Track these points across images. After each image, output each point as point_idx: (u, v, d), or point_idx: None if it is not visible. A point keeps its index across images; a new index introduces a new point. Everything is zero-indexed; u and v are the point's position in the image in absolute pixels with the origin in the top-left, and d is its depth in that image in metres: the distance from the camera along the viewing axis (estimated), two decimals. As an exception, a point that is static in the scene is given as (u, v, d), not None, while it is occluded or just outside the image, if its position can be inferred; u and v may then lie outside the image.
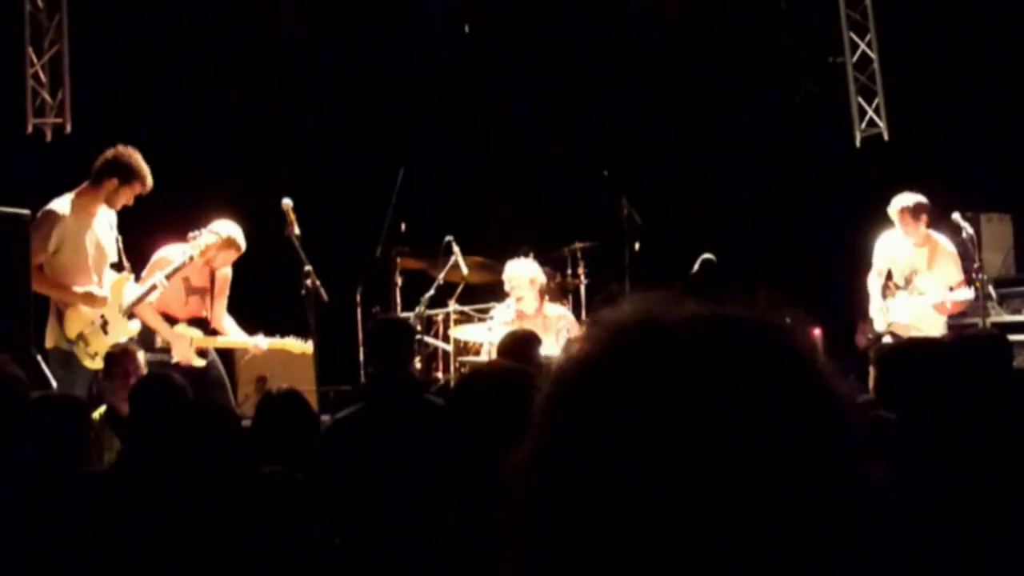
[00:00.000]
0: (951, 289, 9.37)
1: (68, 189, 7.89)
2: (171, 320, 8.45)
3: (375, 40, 11.51)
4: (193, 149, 10.72)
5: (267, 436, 5.39)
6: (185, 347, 8.39)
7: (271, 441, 5.31)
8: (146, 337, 8.21)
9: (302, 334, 8.99)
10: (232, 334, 8.76)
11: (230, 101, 11.09)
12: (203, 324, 8.61)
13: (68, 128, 10.78)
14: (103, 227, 7.85)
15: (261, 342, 8.76)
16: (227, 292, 8.78)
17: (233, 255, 8.62)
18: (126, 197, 7.86)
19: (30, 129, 10.77)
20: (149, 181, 7.86)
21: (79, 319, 7.68)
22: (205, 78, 11.03)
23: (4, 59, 10.62)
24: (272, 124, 11.19)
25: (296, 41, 11.32)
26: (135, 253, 8.22)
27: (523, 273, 9.48)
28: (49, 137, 10.81)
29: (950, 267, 9.46)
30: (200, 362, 8.44)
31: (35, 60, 10.79)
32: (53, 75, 10.79)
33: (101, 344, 7.59)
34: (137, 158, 7.80)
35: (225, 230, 8.50)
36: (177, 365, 8.23)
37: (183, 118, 10.91)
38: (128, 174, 7.77)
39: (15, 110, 10.64)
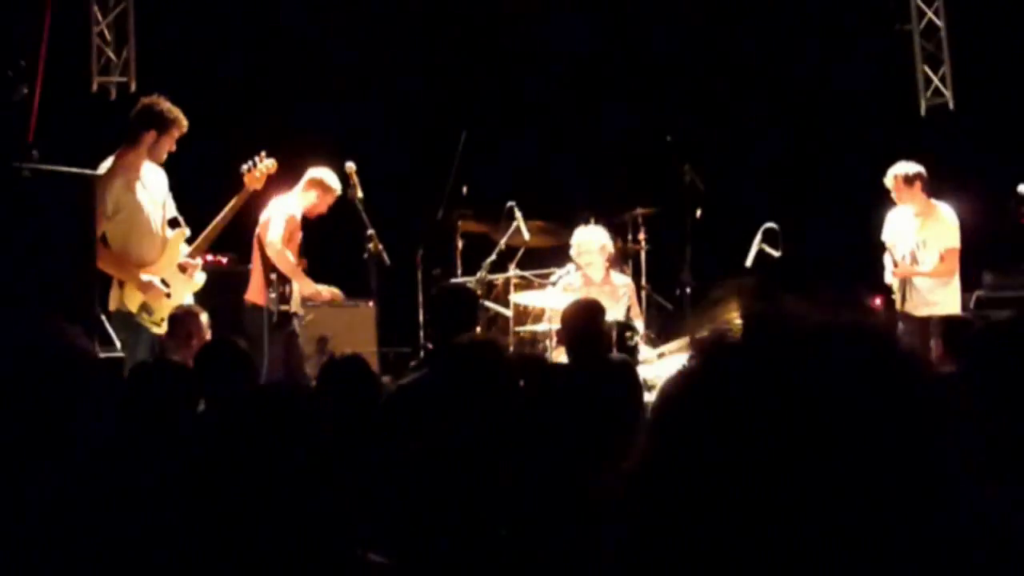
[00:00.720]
0: (941, 259, 9.33)
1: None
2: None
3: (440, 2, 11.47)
4: (256, 110, 10.74)
5: (330, 401, 5.41)
6: (296, 297, 8.49)
7: (334, 406, 5.34)
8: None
9: (364, 296, 9.06)
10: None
11: (293, 61, 11.08)
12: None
13: (133, 87, 10.81)
14: (153, 185, 7.76)
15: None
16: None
17: (328, 204, 8.64)
18: (168, 145, 7.74)
19: (95, 87, 10.80)
20: (184, 122, 7.71)
21: (138, 293, 7.69)
22: (269, 37, 11.02)
23: (70, 18, 10.64)
24: (336, 86, 11.18)
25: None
26: (197, 214, 8.20)
27: (594, 240, 9.52)
28: (114, 95, 10.85)
29: (942, 235, 9.38)
30: (302, 311, 8.66)
31: (100, 19, 10.83)
32: (119, 33, 10.82)
33: (165, 309, 7.61)
34: (166, 103, 7.70)
35: (331, 177, 8.62)
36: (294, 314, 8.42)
37: (246, 77, 10.91)
38: (163, 122, 7.66)
39: (80, 69, 10.66)
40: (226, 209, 8.03)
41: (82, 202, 7.19)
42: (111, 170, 7.51)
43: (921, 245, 9.49)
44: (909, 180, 9.46)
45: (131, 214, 7.60)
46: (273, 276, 8.14)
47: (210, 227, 7.96)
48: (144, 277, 7.58)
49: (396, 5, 11.36)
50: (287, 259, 8.21)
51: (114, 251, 7.55)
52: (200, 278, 7.99)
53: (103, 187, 7.41)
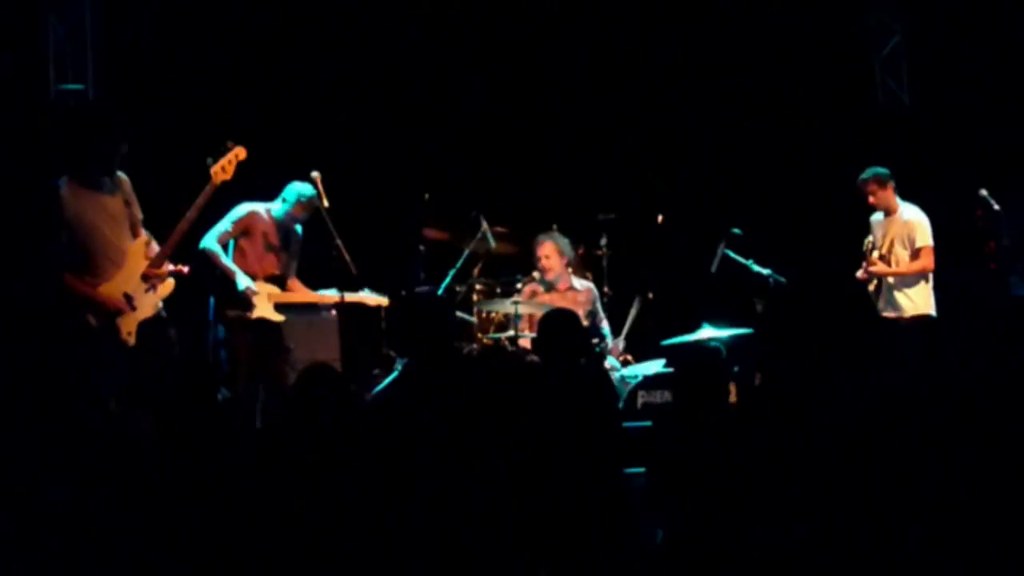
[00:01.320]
0: (915, 257, 9.43)
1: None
2: (248, 277, 8.54)
3: (404, 10, 11.43)
4: (217, 117, 10.65)
5: (305, 410, 5.39)
6: (264, 302, 8.54)
7: (309, 415, 5.33)
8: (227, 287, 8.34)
9: (327, 306, 9.05)
10: (303, 290, 8.87)
11: (257, 67, 10.99)
12: (279, 282, 8.73)
13: (91, 94, 10.69)
14: (110, 194, 7.56)
15: (346, 295, 8.85)
16: (298, 254, 8.90)
17: (301, 213, 8.75)
18: (113, 154, 7.55)
19: (52, 95, 10.68)
20: (108, 133, 7.58)
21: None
22: (232, 43, 10.93)
23: (27, 24, 10.53)
24: (301, 93, 11.11)
25: (322, 10, 11.24)
26: (166, 221, 8.10)
27: (554, 247, 9.56)
28: (72, 103, 10.72)
29: (910, 236, 9.48)
30: (279, 317, 8.62)
31: (58, 25, 10.72)
32: (76, 41, 10.71)
33: (132, 323, 7.47)
34: (103, 111, 7.62)
35: (298, 188, 8.73)
36: (260, 320, 8.48)
37: (208, 84, 10.83)
38: (103, 130, 7.57)
39: (38, 76, 10.54)
40: (192, 208, 7.83)
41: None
42: (65, 187, 7.41)
43: (895, 244, 9.53)
44: (882, 181, 9.54)
45: (84, 227, 7.42)
46: None
47: (176, 229, 7.72)
48: (103, 292, 7.43)
49: (362, 8, 11.29)
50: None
51: (79, 273, 7.39)
52: (168, 284, 7.84)
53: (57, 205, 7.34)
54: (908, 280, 9.53)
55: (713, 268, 9.75)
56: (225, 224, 8.56)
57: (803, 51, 11.86)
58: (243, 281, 8.48)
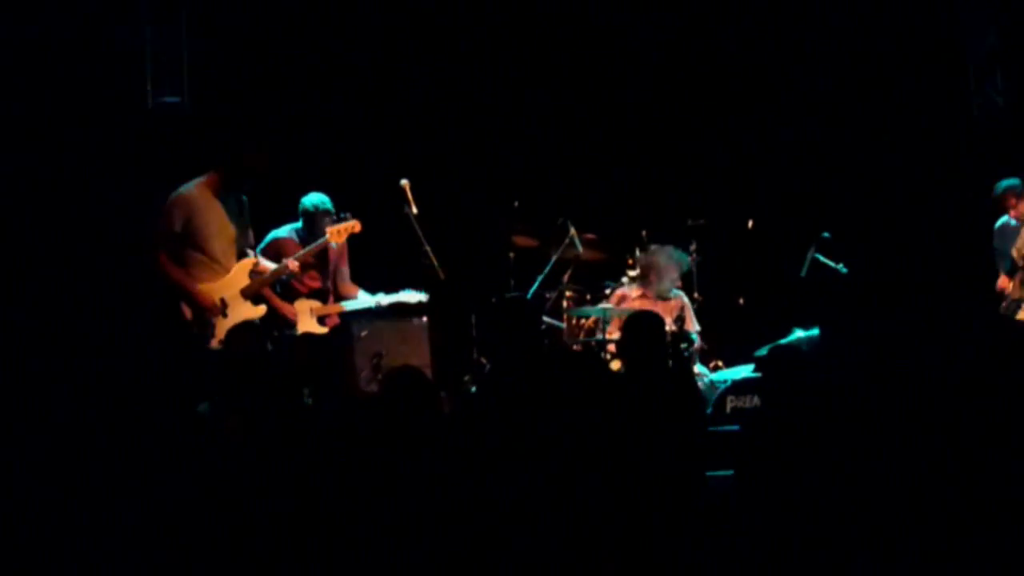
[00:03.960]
0: None
1: (189, 168, 8.02)
2: (292, 294, 8.74)
3: (488, 16, 11.49)
4: (307, 129, 10.80)
5: (391, 412, 5.45)
6: (307, 317, 8.67)
7: (395, 417, 5.38)
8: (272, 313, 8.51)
9: (418, 312, 9.14)
10: (357, 299, 8.96)
11: (346, 79, 11.13)
12: (321, 295, 8.86)
13: (188, 105, 10.87)
14: (231, 210, 7.92)
15: (381, 299, 8.92)
16: (346, 258, 8.99)
17: (324, 221, 8.81)
18: (249, 178, 7.95)
19: (151, 104, 10.88)
20: (267, 164, 7.96)
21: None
22: (321, 56, 11.08)
23: (125, 35, 10.73)
24: (390, 102, 11.23)
25: (409, 19, 11.33)
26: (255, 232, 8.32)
27: (666, 261, 9.62)
28: (169, 114, 10.91)
29: None
30: (322, 329, 8.78)
31: (155, 37, 10.91)
32: (172, 52, 10.88)
33: (223, 329, 7.71)
34: (259, 141, 7.92)
35: (310, 200, 8.82)
36: (304, 335, 8.64)
37: (300, 95, 10.97)
38: (247, 159, 7.89)
39: (136, 86, 10.74)
40: (299, 253, 8.46)
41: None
42: (192, 190, 7.76)
43: None
44: (1019, 193, 9.42)
45: (204, 232, 7.75)
46: None
47: (276, 268, 8.24)
48: (203, 290, 7.75)
49: (446, 15, 11.38)
50: None
51: (178, 266, 7.71)
52: (261, 307, 8.14)
53: (176, 205, 7.68)
54: None
55: (803, 272, 9.71)
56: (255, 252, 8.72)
57: (897, 53, 11.73)
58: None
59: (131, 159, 10.23)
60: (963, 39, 11.88)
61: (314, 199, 8.80)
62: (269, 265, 8.20)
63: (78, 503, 4.91)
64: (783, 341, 9.12)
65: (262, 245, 8.68)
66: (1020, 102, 11.68)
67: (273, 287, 8.63)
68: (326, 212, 8.77)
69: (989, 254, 9.91)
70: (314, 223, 8.76)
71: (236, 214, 7.92)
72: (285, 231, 8.85)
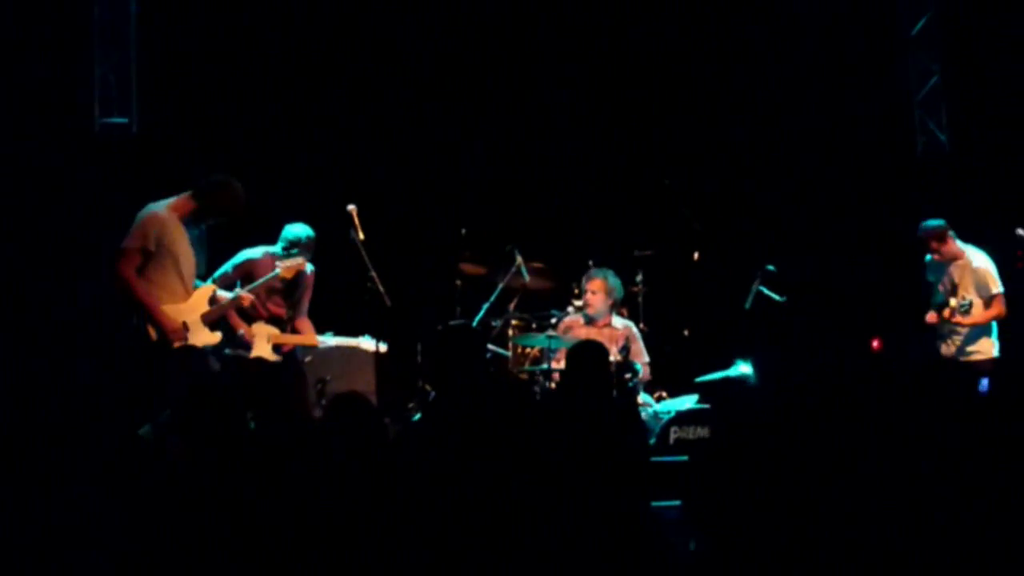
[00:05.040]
0: (988, 304, 9.38)
1: (135, 189, 8.03)
2: (251, 318, 8.70)
3: (437, 40, 11.53)
4: (257, 153, 10.79)
5: (335, 437, 5.43)
6: (262, 342, 8.67)
7: (339, 443, 5.37)
8: (228, 332, 8.52)
9: (361, 330, 9.13)
10: (311, 338, 8.97)
11: (294, 104, 11.13)
12: (282, 324, 8.84)
13: (135, 128, 10.84)
14: (193, 235, 7.98)
15: (337, 342, 9.03)
16: (309, 294, 8.98)
17: (301, 252, 8.80)
18: (213, 219, 8.08)
19: (97, 128, 10.84)
20: (238, 212, 8.06)
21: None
22: (273, 79, 11.08)
23: (73, 57, 10.69)
24: (337, 128, 11.24)
25: (360, 45, 11.36)
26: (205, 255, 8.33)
27: (603, 284, 9.63)
28: (116, 137, 10.88)
29: (983, 283, 9.43)
30: (275, 357, 8.73)
31: (103, 59, 10.87)
32: (121, 74, 10.85)
33: None
34: (238, 191, 7.96)
35: (291, 232, 8.77)
36: (256, 359, 8.64)
37: (250, 119, 10.96)
38: (223, 205, 7.98)
39: (83, 109, 10.69)
40: (250, 286, 8.46)
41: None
42: (164, 211, 7.76)
43: (968, 291, 9.47)
44: (940, 235, 9.52)
45: (172, 254, 7.76)
46: None
47: (230, 299, 8.25)
48: (167, 311, 7.74)
49: (395, 43, 11.41)
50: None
51: (144, 284, 7.70)
52: (218, 333, 8.16)
53: (151, 223, 7.67)
54: (983, 326, 9.48)
55: (748, 304, 9.77)
56: (226, 268, 8.70)
57: (841, 92, 11.88)
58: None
59: (78, 180, 10.18)
60: (908, 78, 12.06)
61: (300, 231, 8.78)
62: (225, 295, 8.18)
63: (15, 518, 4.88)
64: (724, 373, 9.17)
65: (234, 262, 8.67)
66: (963, 140, 11.86)
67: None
68: (309, 244, 8.77)
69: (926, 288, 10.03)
70: (304, 253, 8.77)
71: (196, 239, 7.98)
72: (259, 252, 8.78)
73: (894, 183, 11.73)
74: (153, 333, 7.67)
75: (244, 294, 8.27)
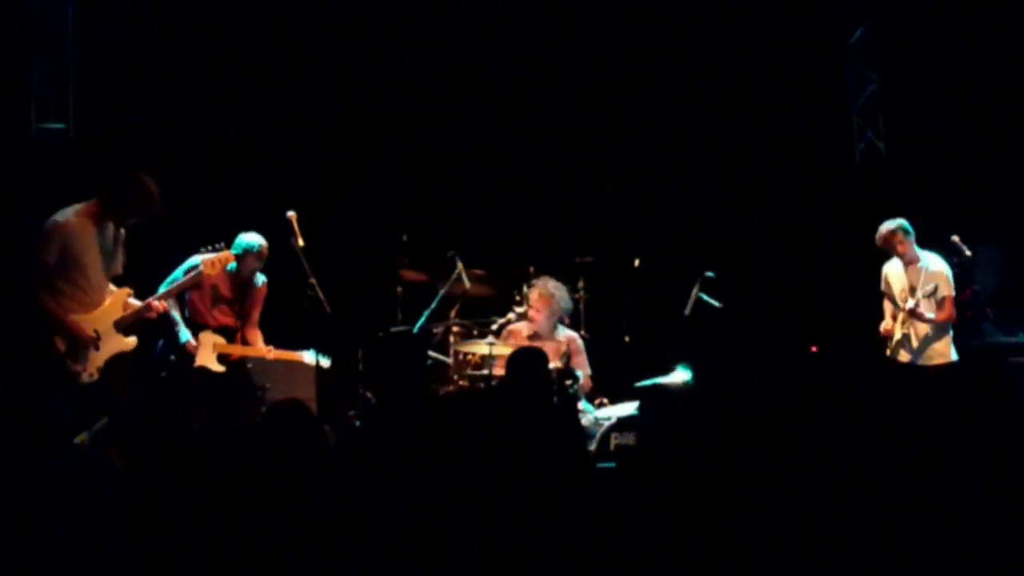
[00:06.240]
0: (941, 306, 9.47)
1: (73, 194, 7.89)
2: (199, 326, 8.69)
3: (377, 47, 11.52)
4: (197, 157, 10.73)
5: (273, 445, 5.41)
6: (207, 351, 8.65)
7: (277, 450, 5.35)
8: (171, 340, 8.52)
9: (304, 342, 9.08)
10: (257, 344, 8.93)
11: (233, 108, 11.08)
12: (230, 333, 8.83)
13: (72, 132, 10.75)
14: (109, 239, 7.75)
15: (281, 355, 8.96)
16: (260, 304, 8.96)
17: (253, 264, 8.75)
18: (133, 219, 7.82)
19: (34, 132, 10.74)
20: (155, 211, 7.79)
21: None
22: (210, 84, 11.03)
23: (10, 62, 10.59)
24: (278, 133, 11.20)
25: (299, 51, 11.33)
26: (139, 263, 8.20)
27: (547, 294, 9.63)
28: (52, 141, 10.78)
29: (937, 286, 9.52)
30: (219, 367, 8.69)
31: (40, 64, 10.78)
32: (58, 78, 10.76)
33: (98, 360, 7.61)
34: (151, 186, 7.76)
35: (243, 241, 8.72)
36: (200, 368, 8.62)
37: (185, 124, 10.90)
38: (137, 203, 7.72)
39: (20, 113, 10.60)
40: (174, 286, 8.34)
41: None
42: (69, 219, 7.55)
43: (921, 294, 9.56)
44: (908, 232, 9.58)
45: (81, 262, 7.57)
46: None
47: (141, 306, 7.97)
48: (74, 322, 7.55)
49: (335, 47, 11.39)
50: None
51: (52, 295, 7.51)
52: (132, 340, 7.93)
53: (52, 234, 7.48)
54: (938, 330, 9.58)
55: (687, 311, 9.81)
56: (176, 275, 8.60)
57: (781, 100, 11.96)
58: (183, 334, 8.68)
59: (14, 186, 10.08)
60: (846, 86, 12.16)
61: (253, 240, 8.73)
62: (136, 302, 7.99)
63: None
64: (664, 378, 9.20)
65: (185, 267, 8.53)
66: (901, 148, 11.98)
67: (182, 313, 8.69)
68: (261, 253, 8.71)
69: (870, 296, 10.09)
70: (244, 262, 8.71)
71: (112, 242, 7.75)
72: (211, 260, 8.68)
73: (833, 190, 11.82)
74: (61, 345, 7.49)
75: (154, 302, 8.04)
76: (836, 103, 12.19)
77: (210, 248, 8.45)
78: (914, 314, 9.41)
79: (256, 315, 8.91)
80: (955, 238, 9.69)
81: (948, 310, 9.50)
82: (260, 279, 8.83)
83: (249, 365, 9.08)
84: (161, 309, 8.04)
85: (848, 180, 11.95)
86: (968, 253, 9.66)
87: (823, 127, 12.14)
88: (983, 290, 9.65)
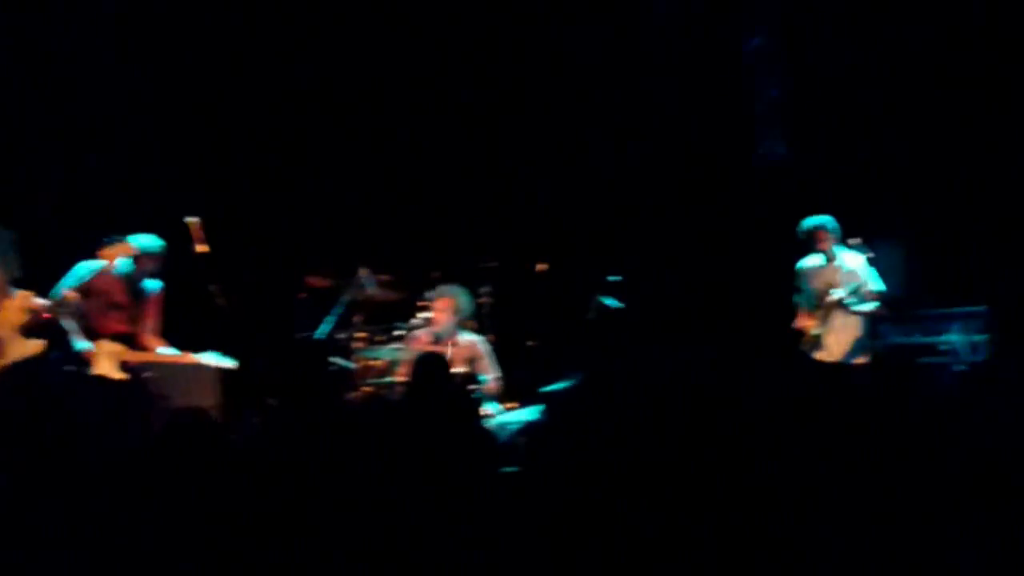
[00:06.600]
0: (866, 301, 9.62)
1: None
2: (94, 334, 8.55)
3: (276, 54, 11.47)
4: (97, 163, 10.60)
5: (174, 454, 5.36)
6: (105, 360, 8.51)
7: (178, 459, 5.30)
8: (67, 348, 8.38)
9: (206, 347, 9.01)
10: (156, 350, 8.83)
11: (135, 113, 10.96)
12: (127, 340, 8.70)
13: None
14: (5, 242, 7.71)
15: (184, 359, 8.84)
16: (156, 311, 8.84)
17: (147, 265, 8.64)
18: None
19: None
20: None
21: None
22: (108, 88, 10.90)
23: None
24: (180, 137, 11.10)
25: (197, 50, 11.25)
26: (43, 268, 8.11)
27: (450, 303, 9.63)
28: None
29: (852, 282, 9.66)
30: (119, 375, 8.54)
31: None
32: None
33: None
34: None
35: (137, 242, 8.66)
36: (97, 377, 8.40)
37: (89, 129, 10.77)
38: None
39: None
40: (83, 283, 8.35)
41: None
42: None
43: (845, 291, 9.67)
44: (831, 229, 9.71)
45: None
46: None
47: (43, 306, 8.03)
48: None
49: (236, 51, 11.32)
50: None
51: None
52: (35, 344, 7.89)
53: None
54: (856, 327, 9.69)
55: (591, 315, 9.86)
56: (68, 282, 8.52)
57: (683, 104, 12.06)
58: (79, 343, 8.56)
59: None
60: (748, 91, 12.29)
61: (147, 242, 8.66)
62: (41, 302, 7.91)
63: None
64: (568, 382, 9.22)
65: (76, 276, 8.47)
66: (802, 152, 12.12)
67: (80, 322, 8.52)
68: (156, 256, 8.62)
69: (773, 296, 10.21)
70: (139, 263, 8.62)
71: (5, 246, 7.68)
72: (100, 264, 8.63)
73: (734, 194, 11.93)
74: None
75: (68, 292, 7.99)
76: (737, 108, 12.30)
77: (111, 239, 8.46)
78: (844, 308, 9.55)
79: (153, 322, 8.81)
80: (854, 240, 9.83)
81: (877, 304, 9.64)
82: (155, 285, 8.73)
83: (150, 374, 8.98)
84: (74, 298, 8.00)
85: (749, 184, 12.06)
86: (868, 254, 9.80)
87: (725, 132, 12.24)
88: (883, 291, 9.77)
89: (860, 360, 9.59)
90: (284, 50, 11.43)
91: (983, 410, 5.39)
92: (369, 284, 9.98)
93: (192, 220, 8.76)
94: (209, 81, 11.22)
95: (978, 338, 10.45)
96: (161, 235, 8.77)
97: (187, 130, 11.11)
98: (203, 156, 11.12)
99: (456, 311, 9.70)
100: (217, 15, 11.28)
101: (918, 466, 4.93)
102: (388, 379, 9.39)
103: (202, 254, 8.72)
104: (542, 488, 5.41)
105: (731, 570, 4.69)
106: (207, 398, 9.12)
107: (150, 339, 8.82)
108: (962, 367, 10.01)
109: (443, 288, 9.79)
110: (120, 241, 8.38)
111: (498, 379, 9.75)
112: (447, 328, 9.70)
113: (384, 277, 10.23)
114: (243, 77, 11.33)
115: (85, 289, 8.44)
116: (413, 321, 9.85)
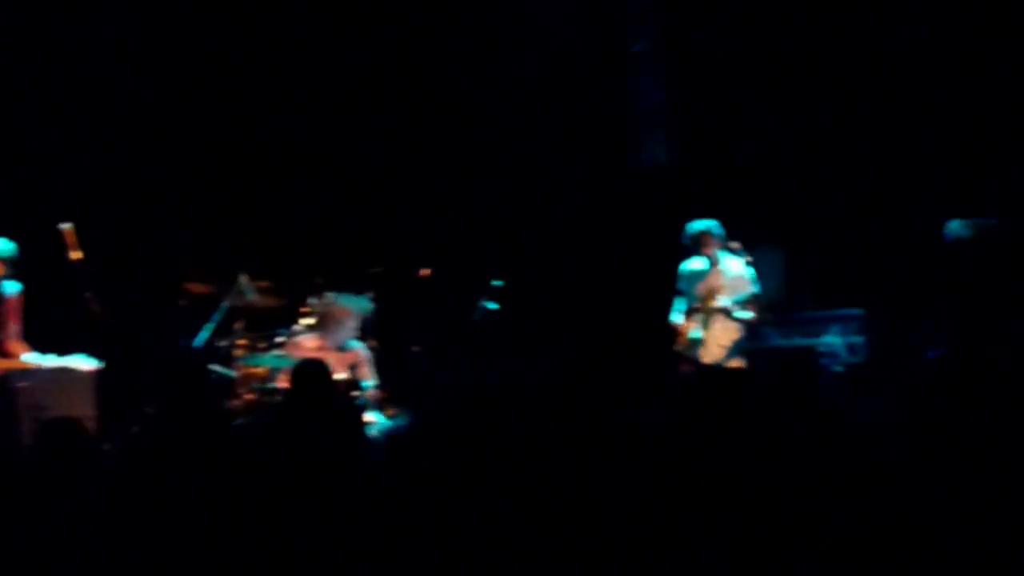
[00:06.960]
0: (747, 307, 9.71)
1: None
2: None
3: (166, 59, 11.33)
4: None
5: (46, 465, 5.27)
6: None
7: (50, 470, 5.21)
8: None
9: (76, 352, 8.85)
10: (21, 357, 8.61)
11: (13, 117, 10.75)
12: None
13: None
14: None
15: (49, 363, 8.61)
16: (17, 315, 8.61)
17: (10, 272, 8.44)
18: None
19: None
20: None
21: None
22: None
23: None
24: (55, 142, 10.89)
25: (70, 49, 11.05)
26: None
27: (343, 311, 9.55)
28: None
29: (738, 288, 9.75)
30: None
31: None
32: None
33: None
34: None
35: None
36: None
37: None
38: None
39: None
40: None
41: None
42: None
43: (722, 295, 9.72)
44: (716, 234, 9.77)
45: None
46: None
47: None
48: None
49: (115, 50, 11.15)
50: None
51: None
52: None
53: None
54: (736, 332, 9.75)
55: (475, 319, 9.87)
56: None
57: (565, 107, 12.11)
58: None
59: None
60: (630, 95, 12.36)
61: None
62: None
63: None
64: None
65: None
66: (683, 156, 12.23)
67: None
68: (8, 259, 8.43)
69: (654, 298, 10.28)
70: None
71: None
72: None
73: (616, 198, 12.00)
74: None
75: None
76: (620, 111, 12.37)
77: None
78: (728, 314, 9.64)
79: (14, 327, 8.60)
80: (734, 244, 9.92)
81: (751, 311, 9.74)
82: (13, 287, 8.53)
83: (21, 384, 8.78)
84: None
85: (630, 188, 12.13)
86: (748, 258, 9.91)
87: (607, 135, 12.31)
88: (763, 295, 9.89)
89: (736, 363, 9.69)
90: (165, 45, 11.28)
91: (860, 409, 5.47)
92: (248, 291, 9.84)
93: (66, 226, 8.58)
94: (84, 76, 11.02)
95: (856, 340, 10.62)
96: (32, 242, 8.58)
97: (63, 132, 10.90)
98: (80, 160, 10.92)
99: (338, 317, 9.61)
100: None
101: (797, 463, 4.98)
102: (269, 386, 9.29)
103: (76, 261, 8.54)
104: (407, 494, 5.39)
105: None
106: (83, 407, 8.94)
107: (14, 345, 8.60)
108: (840, 368, 10.17)
109: (326, 295, 9.69)
110: None
111: (378, 386, 9.69)
112: (329, 334, 9.61)
113: (264, 283, 10.12)
114: (118, 76, 11.14)
115: None
116: (295, 327, 9.76)
